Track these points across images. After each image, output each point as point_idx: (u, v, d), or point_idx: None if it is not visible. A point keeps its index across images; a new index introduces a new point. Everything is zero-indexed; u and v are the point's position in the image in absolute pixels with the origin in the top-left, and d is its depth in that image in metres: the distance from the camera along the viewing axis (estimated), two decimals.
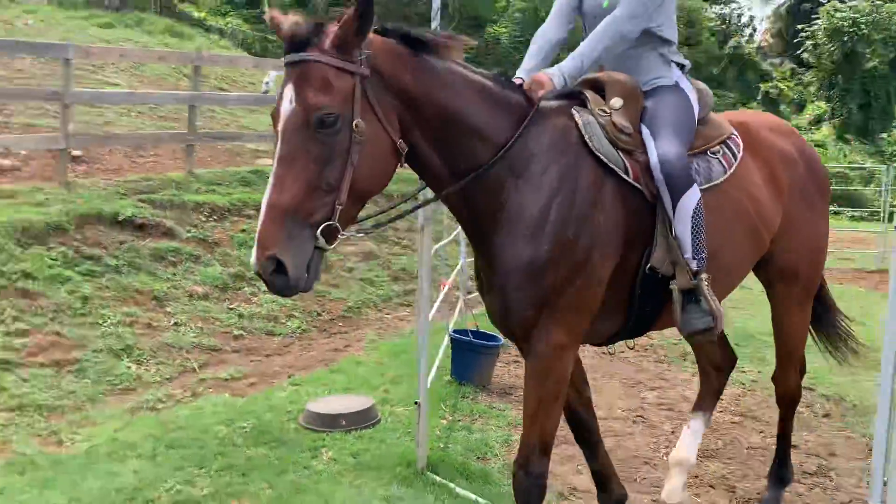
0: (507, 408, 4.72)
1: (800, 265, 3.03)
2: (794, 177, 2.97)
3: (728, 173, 2.68)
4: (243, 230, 7.60)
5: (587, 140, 2.41)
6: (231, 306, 6.62)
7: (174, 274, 6.57)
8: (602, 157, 2.41)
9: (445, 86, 2.20)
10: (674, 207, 2.41)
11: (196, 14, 23.88)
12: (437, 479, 3.53)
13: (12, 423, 4.27)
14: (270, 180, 1.93)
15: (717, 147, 2.72)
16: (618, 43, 2.53)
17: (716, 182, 2.65)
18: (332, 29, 1.97)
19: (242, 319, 6.47)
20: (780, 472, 3.44)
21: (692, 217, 2.42)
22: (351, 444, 3.96)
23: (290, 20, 1.98)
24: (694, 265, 2.45)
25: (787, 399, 3.35)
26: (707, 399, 3.47)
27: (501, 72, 2.52)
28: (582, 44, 2.54)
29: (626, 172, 2.42)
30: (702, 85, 2.82)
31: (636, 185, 2.44)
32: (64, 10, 15.60)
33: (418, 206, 2.67)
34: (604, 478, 3.04)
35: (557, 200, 2.32)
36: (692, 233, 2.43)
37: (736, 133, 2.81)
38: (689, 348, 4.76)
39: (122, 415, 4.59)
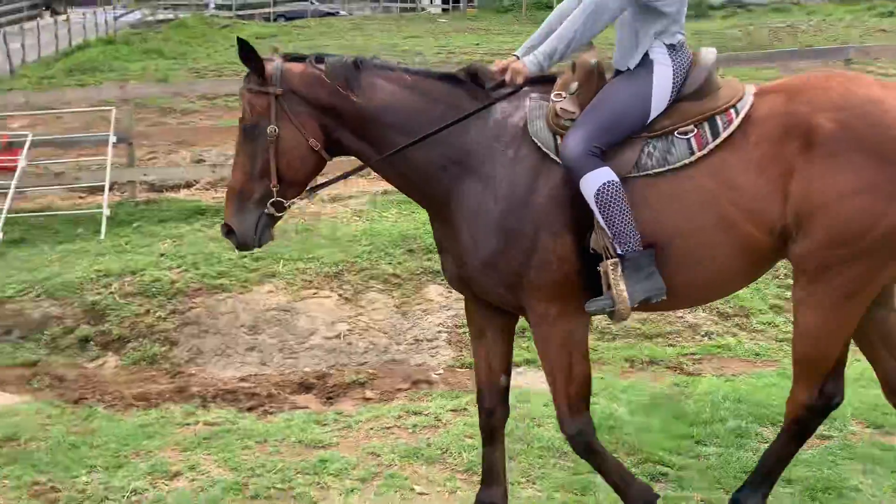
0: None
1: (835, 249, 2.45)
2: (821, 152, 2.44)
3: (696, 155, 2.54)
4: None
5: (527, 125, 2.61)
6: None
7: None
8: (537, 141, 2.58)
9: (366, 95, 2.64)
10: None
11: None
12: None
13: None
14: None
15: (691, 126, 2.57)
16: (596, 20, 2.55)
17: (674, 165, 2.55)
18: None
19: None
20: (745, 492, 2.81)
21: (595, 200, 2.46)
22: None
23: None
24: (618, 249, 2.49)
25: (790, 417, 2.72)
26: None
27: (464, 69, 2.78)
28: (562, 25, 2.63)
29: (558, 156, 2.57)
30: (706, 56, 2.68)
31: None
32: (845, 5, 15.77)
33: (348, 175, 3.05)
34: (490, 476, 2.95)
35: (498, 190, 2.58)
36: (604, 216, 2.47)
37: (738, 106, 2.57)
38: None
39: None
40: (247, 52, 2.61)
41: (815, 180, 2.45)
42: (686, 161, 2.54)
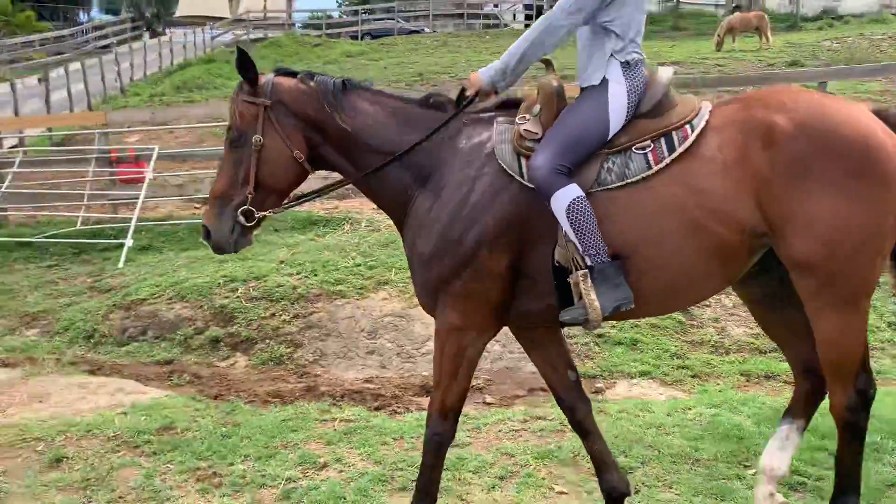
0: None
1: (813, 256, 2.49)
2: (783, 157, 2.51)
3: (654, 168, 2.61)
4: None
5: (493, 148, 2.73)
6: None
7: None
8: (502, 163, 2.70)
9: (349, 114, 2.80)
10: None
11: None
12: None
13: None
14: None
15: (648, 142, 2.65)
16: (545, 37, 2.69)
17: (633, 179, 2.63)
18: None
19: None
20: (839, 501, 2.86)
21: (567, 216, 2.55)
22: None
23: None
24: (588, 261, 2.59)
25: (838, 421, 2.75)
26: (797, 405, 3.03)
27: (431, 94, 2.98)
28: (515, 42, 2.77)
29: (523, 177, 2.67)
30: (661, 75, 2.78)
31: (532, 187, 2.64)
32: None
33: (322, 191, 3.12)
34: (601, 464, 3.05)
35: (449, 204, 2.71)
36: (575, 231, 2.56)
37: (693, 122, 2.65)
38: None
39: None
40: (244, 63, 2.76)
41: (782, 181, 2.51)
42: (644, 174, 2.63)
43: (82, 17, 42.81)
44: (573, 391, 3.02)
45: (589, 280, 2.58)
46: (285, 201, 2.98)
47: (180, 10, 38.96)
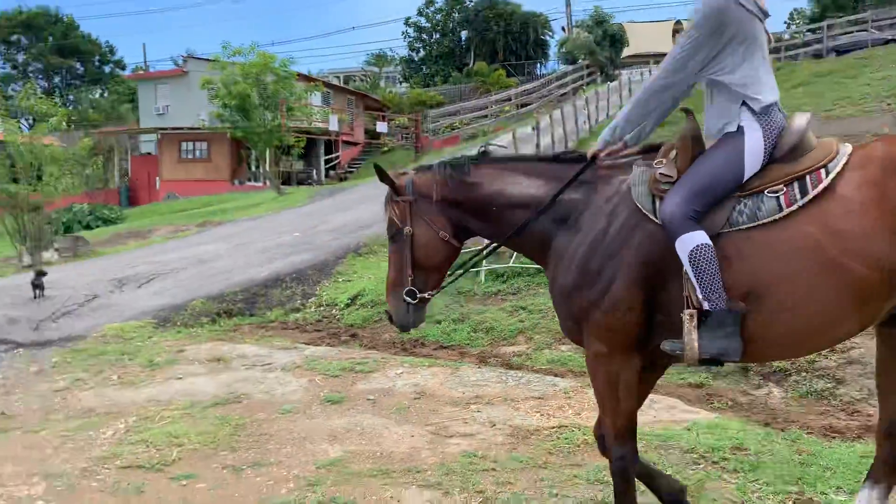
0: None
1: None
2: None
3: (785, 211, 2.65)
4: None
5: (630, 188, 2.87)
6: None
7: None
8: (637, 203, 2.82)
9: (475, 186, 3.16)
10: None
11: None
12: None
13: None
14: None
15: (780, 186, 2.69)
16: (649, 96, 2.87)
17: (764, 221, 2.67)
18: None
19: None
20: None
21: (689, 260, 2.64)
22: None
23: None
24: (705, 305, 2.65)
25: None
26: (879, 468, 2.93)
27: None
28: (629, 104, 2.99)
29: (657, 217, 2.78)
30: (798, 121, 2.77)
31: None
32: None
33: (477, 258, 3.58)
34: (649, 478, 3.24)
35: (588, 238, 2.89)
36: (695, 275, 2.64)
37: (829, 165, 2.66)
38: None
39: None
40: (381, 175, 3.24)
41: None
42: (775, 217, 2.65)
43: (538, 69, 47.67)
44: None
45: (695, 320, 2.67)
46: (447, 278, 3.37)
47: (627, 51, 40.80)
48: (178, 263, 12.36)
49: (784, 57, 27.45)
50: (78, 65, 56.84)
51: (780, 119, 2.79)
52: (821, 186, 2.64)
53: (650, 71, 28.95)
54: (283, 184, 26.98)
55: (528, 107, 31.95)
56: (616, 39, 38.21)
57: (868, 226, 2.55)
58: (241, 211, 20.80)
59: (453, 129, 31.19)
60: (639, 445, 4.46)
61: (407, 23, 49.04)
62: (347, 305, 9.46)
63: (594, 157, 3.06)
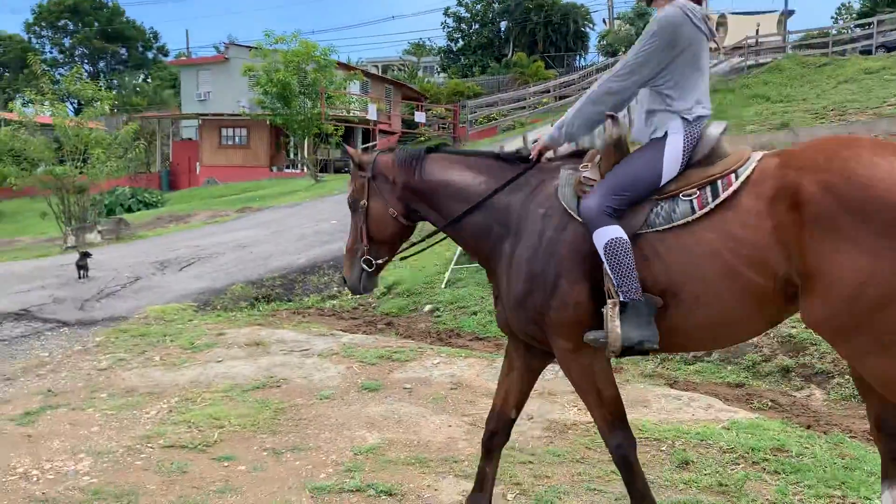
0: None
1: (832, 312, 2.52)
2: (808, 217, 2.55)
3: (696, 214, 2.79)
4: None
5: (558, 191, 3.06)
6: None
7: None
8: (564, 204, 3.02)
9: (426, 173, 3.35)
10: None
11: None
12: None
13: None
14: None
15: (693, 189, 2.83)
16: (601, 98, 3.01)
17: (678, 223, 2.81)
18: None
19: None
20: None
21: (604, 252, 2.80)
22: None
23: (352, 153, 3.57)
24: (621, 296, 2.78)
25: None
26: (887, 466, 2.94)
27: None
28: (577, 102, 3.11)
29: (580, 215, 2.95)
30: (712, 130, 2.94)
31: None
32: None
33: (428, 245, 3.67)
34: (482, 482, 3.44)
35: (529, 244, 3.04)
36: (611, 267, 2.79)
37: (738, 170, 2.79)
38: None
39: None
40: (347, 153, 3.64)
41: (807, 242, 2.56)
42: (689, 219, 2.79)
43: (578, 61, 47.22)
44: (504, 423, 3.39)
45: (616, 310, 2.79)
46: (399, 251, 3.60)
47: None
48: (217, 248, 12.55)
49: (831, 52, 26.85)
50: (122, 50, 57.76)
51: (700, 129, 2.96)
52: (730, 190, 2.76)
53: None
54: (321, 171, 27.18)
55: (567, 99, 31.73)
56: None
57: (762, 237, 2.67)
58: (278, 197, 21.02)
59: (490, 121, 31.10)
60: (678, 443, 4.47)
61: (446, 13, 48.92)
62: (383, 294, 9.52)
63: (539, 154, 3.25)
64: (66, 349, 7.33)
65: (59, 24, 55.80)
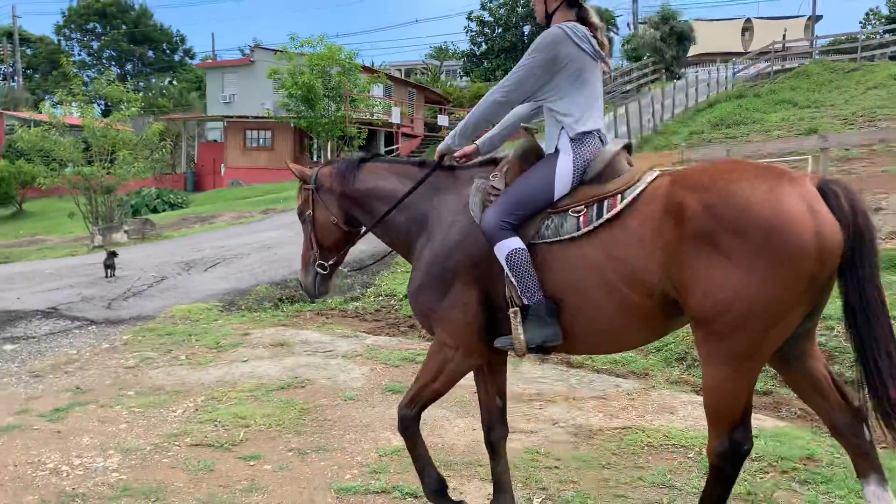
0: None
1: (707, 315, 2.66)
2: (689, 233, 2.68)
3: (582, 230, 2.94)
4: None
5: (468, 199, 3.23)
6: None
7: None
8: (471, 212, 3.20)
9: (357, 181, 3.59)
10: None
11: None
12: None
13: None
14: None
15: (581, 207, 2.97)
16: (489, 109, 3.21)
17: (564, 237, 2.98)
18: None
19: None
20: None
21: (506, 262, 2.99)
22: None
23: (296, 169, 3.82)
24: (524, 300, 2.99)
25: (710, 463, 2.90)
26: (856, 462, 2.96)
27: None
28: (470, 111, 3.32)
29: None
30: (609, 147, 3.05)
31: None
32: None
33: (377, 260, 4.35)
34: (498, 484, 3.49)
35: (434, 244, 3.26)
36: (513, 275, 2.99)
37: (625, 192, 2.91)
38: None
39: None
40: (290, 168, 3.85)
41: (686, 255, 2.66)
42: (574, 234, 2.95)
43: None
44: (497, 415, 3.49)
45: (519, 317, 3.01)
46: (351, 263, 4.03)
47: (693, 49, 39.95)
48: (242, 249, 12.64)
49: (860, 58, 26.53)
50: (149, 52, 58.45)
51: (595, 146, 3.08)
52: (613, 211, 2.90)
53: (717, 69, 28.31)
54: None
55: None
56: (683, 37, 37.40)
57: (644, 255, 2.78)
58: None
59: None
60: (705, 450, 4.42)
61: (470, 17, 49.00)
62: (406, 297, 9.53)
63: (441, 158, 3.45)
64: (94, 347, 7.42)
65: (88, 26, 56.59)
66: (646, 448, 4.45)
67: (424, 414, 5.20)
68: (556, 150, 3.11)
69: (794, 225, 2.52)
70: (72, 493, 3.96)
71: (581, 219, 2.96)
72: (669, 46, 36.48)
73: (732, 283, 2.57)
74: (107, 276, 10.62)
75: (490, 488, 3.84)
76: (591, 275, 2.90)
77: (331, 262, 3.69)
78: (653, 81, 33.77)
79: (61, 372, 6.56)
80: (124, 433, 4.88)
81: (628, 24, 46.73)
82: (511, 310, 3.04)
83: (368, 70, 31.72)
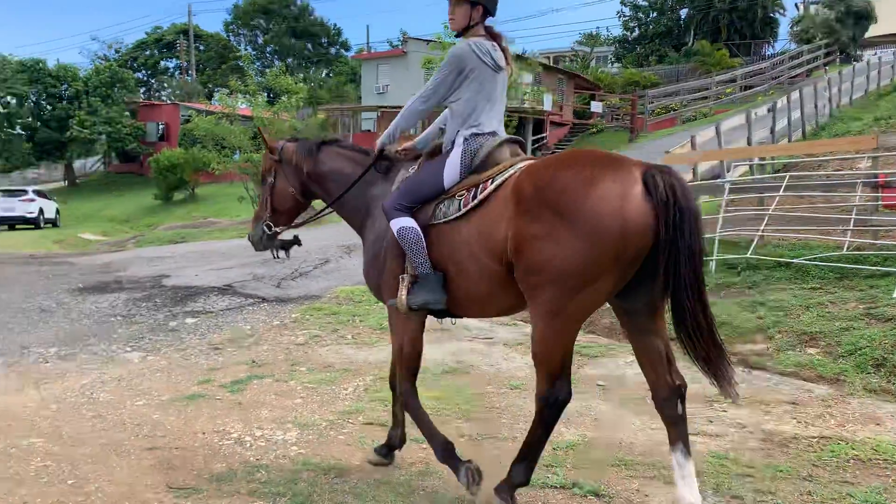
0: None
1: (526, 274, 3.13)
2: (523, 209, 3.13)
3: (461, 212, 3.45)
4: None
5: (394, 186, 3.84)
6: None
7: None
8: None
9: (318, 162, 4.16)
10: None
11: None
12: None
13: None
14: None
15: (464, 192, 3.49)
16: (411, 114, 3.80)
17: (450, 218, 3.49)
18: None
19: None
20: (515, 471, 3.41)
21: (398, 236, 3.55)
22: None
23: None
24: (415, 269, 3.55)
25: (536, 405, 3.28)
26: (671, 431, 3.29)
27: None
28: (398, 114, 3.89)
29: None
30: (489, 143, 3.59)
31: None
32: None
33: (318, 215, 4.43)
34: (396, 420, 4.11)
35: (374, 226, 3.87)
36: (405, 248, 3.54)
37: (496, 178, 3.41)
38: None
39: None
40: (261, 139, 4.42)
41: (519, 227, 3.15)
42: (457, 214, 3.47)
43: (765, 49, 44.15)
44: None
45: (406, 281, 3.59)
46: (296, 221, 4.36)
47: (874, 29, 36.59)
48: None
49: None
50: (308, 46, 61.20)
51: (484, 141, 3.58)
52: (483, 194, 3.39)
53: None
54: None
55: (752, 89, 29.78)
56: (861, 16, 34.38)
57: (496, 231, 3.26)
58: None
59: (668, 112, 29.82)
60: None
61: (623, 2, 47.48)
62: None
63: (380, 152, 3.95)
64: (266, 323, 7.75)
65: (253, 22, 60.01)
66: (851, 462, 4.01)
67: (596, 408, 5.02)
68: (452, 145, 3.64)
69: (600, 207, 2.93)
70: (256, 463, 4.08)
71: (462, 201, 3.48)
72: (845, 27, 33.63)
73: (548, 250, 3.03)
74: (275, 257, 11.11)
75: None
76: (464, 248, 3.42)
77: (278, 229, 4.27)
78: (826, 65, 31.30)
79: (237, 346, 6.89)
80: (300, 408, 5.01)
81: (797, 5, 43.54)
82: (401, 276, 3.62)
83: (518, 58, 31.46)
